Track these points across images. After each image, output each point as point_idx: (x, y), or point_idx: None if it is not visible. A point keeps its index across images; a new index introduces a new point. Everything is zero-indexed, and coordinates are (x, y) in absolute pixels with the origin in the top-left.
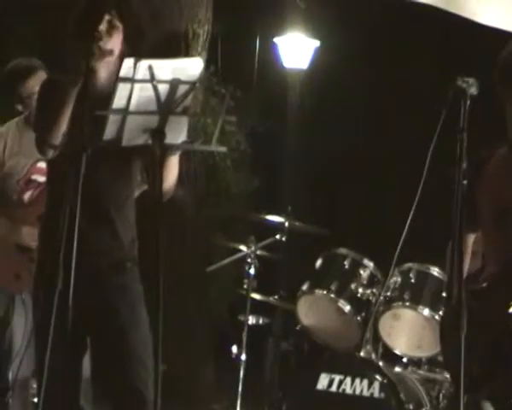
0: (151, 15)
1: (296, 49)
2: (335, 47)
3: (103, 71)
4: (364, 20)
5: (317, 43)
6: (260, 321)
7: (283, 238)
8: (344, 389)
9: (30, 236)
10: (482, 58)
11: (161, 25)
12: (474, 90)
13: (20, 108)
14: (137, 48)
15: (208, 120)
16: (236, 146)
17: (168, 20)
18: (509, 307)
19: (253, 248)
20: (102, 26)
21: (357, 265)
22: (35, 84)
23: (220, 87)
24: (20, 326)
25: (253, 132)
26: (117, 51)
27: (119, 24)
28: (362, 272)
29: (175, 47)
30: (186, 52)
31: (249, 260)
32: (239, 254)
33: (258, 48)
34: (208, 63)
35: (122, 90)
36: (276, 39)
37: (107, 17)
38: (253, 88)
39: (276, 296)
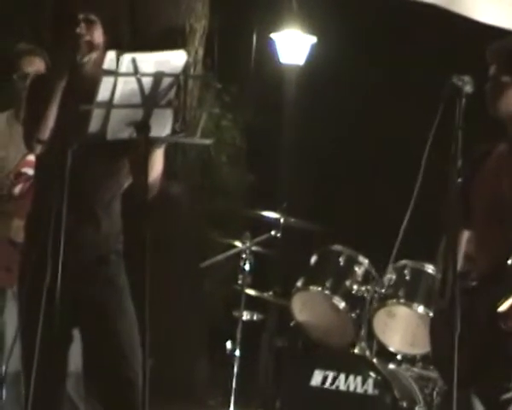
0: (146, 10)
1: (292, 45)
2: (332, 43)
3: (88, 65)
4: (361, 16)
5: (313, 39)
6: (255, 317)
7: (278, 234)
8: (338, 386)
9: (20, 229)
10: (478, 57)
11: (157, 19)
12: (469, 88)
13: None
14: (119, 37)
15: (203, 115)
16: (232, 141)
17: (164, 15)
18: (498, 306)
19: (247, 244)
20: (79, 28)
21: (352, 262)
22: (28, 65)
23: (215, 82)
24: (12, 319)
25: (248, 128)
26: (100, 44)
27: (94, 18)
28: (357, 268)
29: (171, 42)
30: (183, 47)
31: (244, 255)
32: (234, 250)
33: (254, 43)
34: (205, 58)
35: (106, 83)
36: (272, 35)
37: (81, 16)
38: (250, 83)
39: (270, 292)
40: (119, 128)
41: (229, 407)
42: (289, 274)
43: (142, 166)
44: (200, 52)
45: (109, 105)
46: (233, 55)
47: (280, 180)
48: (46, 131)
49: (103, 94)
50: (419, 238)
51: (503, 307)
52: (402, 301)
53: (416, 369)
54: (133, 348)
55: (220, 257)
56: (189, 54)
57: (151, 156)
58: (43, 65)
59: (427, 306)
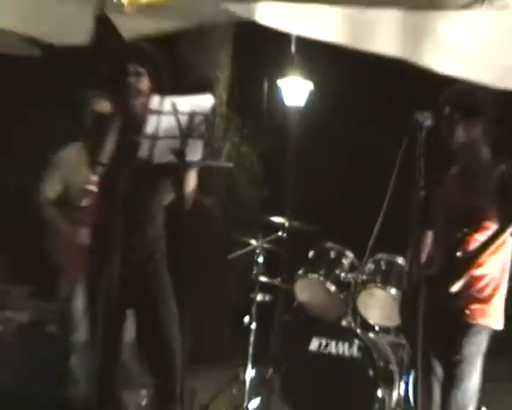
0: (183, 62)
1: (294, 89)
2: (326, 88)
3: (137, 107)
4: (350, 66)
5: (310, 85)
6: (266, 298)
7: (284, 235)
8: (330, 350)
9: (84, 236)
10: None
11: (191, 69)
12: (428, 123)
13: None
14: (161, 84)
15: (227, 144)
16: (249, 164)
17: (197, 66)
18: (449, 289)
19: (260, 242)
20: (130, 78)
21: (340, 255)
22: (93, 107)
23: (237, 118)
24: (81, 300)
25: (262, 153)
26: (144, 90)
27: (142, 70)
28: (344, 260)
29: (201, 87)
30: (210, 91)
31: (258, 251)
32: (250, 247)
33: (266, 88)
34: (228, 100)
35: (152, 120)
36: (279, 81)
37: (131, 68)
38: (263, 119)
39: (278, 279)
40: (162, 155)
41: (246, 366)
42: (293, 265)
43: (179, 185)
44: (224, 95)
45: (155, 137)
46: (250, 97)
47: (286, 194)
48: (105, 157)
49: (150, 128)
50: (392, 237)
51: (453, 289)
52: (379, 285)
53: (389, 337)
54: (171, 324)
55: (240, 252)
56: (215, 97)
57: (187, 177)
58: (104, 107)
59: (398, 289)
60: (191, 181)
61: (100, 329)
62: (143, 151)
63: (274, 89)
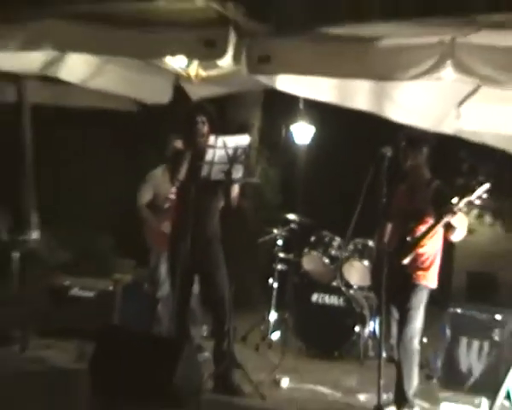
0: (230, 114)
1: (301, 131)
2: (324, 132)
3: (201, 143)
4: (340, 118)
5: (313, 128)
6: (283, 267)
7: (295, 226)
8: (324, 301)
9: (167, 226)
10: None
11: (235, 118)
12: (389, 153)
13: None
14: (215, 128)
15: (258, 167)
16: (272, 180)
17: (238, 116)
18: (402, 261)
19: (279, 231)
20: (197, 125)
21: (331, 239)
22: (174, 144)
23: (264, 151)
24: (164, 268)
25: (281, 173)
26: (206, 132)
27: (204, 119)
28: (334, 243)
29: (242, 130)
30: (248, 133)
31: (278, 236)
32: (273, 234)
33: (284, 131)
34: (259, 139)
35: (209, 152)
36: (291, 127)
37: (198, 119)
38: (281, 152)
39: (291, 255)
40: (216, 174)
41: (270, 311)
42: (300, 246)
43: (227, 194)
44: (256, 136)
45: (212, 163)
46: (272, 137)
47: (295, 200)
48: (181, 175)
49: (208, 157)
50: (365, 228)
51: (405, 261)
52: (357, 258)
53: (364, 293)
54: (224, 284)
55: (267, 237)
56: (250, 136)
57: (232, 188)
58: (180, 144)
59: (369, 261)
60: (235, 191)
61: (177, 286)
62: (204, 172)
63: (288, 132)
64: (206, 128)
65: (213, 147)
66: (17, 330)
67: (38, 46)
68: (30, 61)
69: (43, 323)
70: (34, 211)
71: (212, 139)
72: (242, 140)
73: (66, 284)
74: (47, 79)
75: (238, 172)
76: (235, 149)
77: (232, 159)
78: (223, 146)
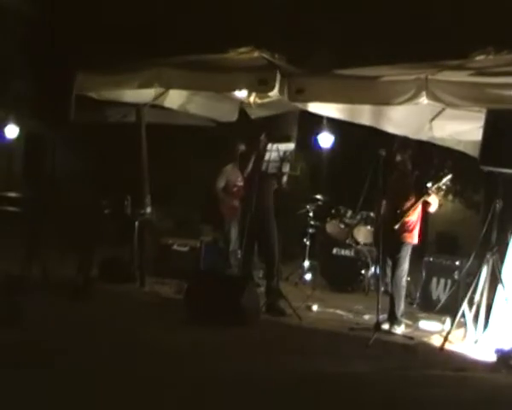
0: (281, 129)
1: (325, 139)
2: (341, 139)
3: (261, 148)
4: (352, 130)
5: (333, 136)
6: (313, 231)
7: (320, 203)
8: (341, 253)
9: (235, 203)
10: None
11: (282, 130)
12: (384, 154)
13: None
14: (271, 138)
15: (298, 165)
16: (305, 173)
17: (285, 130)
18: (394, 227)
19: (310, 207)
20: (261, 137)
21: (345, 211)
22: (240, 148)
23: (301, 153)
24: (234, 231)
25: (312, 169)
26: (264, 140)
27: (263, 138)
28: (347, 214)
29: (287, 139)
30: (291, 141)
31: (309, 210)
32: (306, 208)
33: (312, 140)
34: (298, 145)
35: (267, 154)
36: (318, 136)
37: (262, 138)
38: (311, 154)
39: (318, 222)
40: (272, 169)
41: (304, 259)
42: (324, 216)
43: (279, 181)
44: (295, 143)
45: (268, 161)
46: (305, 144)
47: (321, 185)
48: (249, 169)
49: (267, 157)
50: (368, 204)
51: (396, 227)
52: (362, 224)
53: (368, 247)
54: (274, 239)
55: (302, 211)
56: (294, 143)
57: (282, 178)
58: (243, 148)
59: (371, 226)
60: (284, 180)
61: (244, 243)
62: (264, 167)
63: (315, 139)
64: (264, 139)
65: (270, 151)
66: (137, 271)
67: (151, 85)
68: (145, 94)
69: (155, 267)
70: (148, 194)
71: (269, 146)
72: (289, 146)
73: (170, 242)
74: (156, 106)
75: (286, 168)
76: (284, 152)
77: (282, 159)
78: (276, 150)
